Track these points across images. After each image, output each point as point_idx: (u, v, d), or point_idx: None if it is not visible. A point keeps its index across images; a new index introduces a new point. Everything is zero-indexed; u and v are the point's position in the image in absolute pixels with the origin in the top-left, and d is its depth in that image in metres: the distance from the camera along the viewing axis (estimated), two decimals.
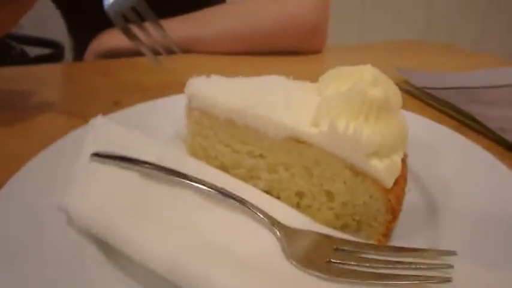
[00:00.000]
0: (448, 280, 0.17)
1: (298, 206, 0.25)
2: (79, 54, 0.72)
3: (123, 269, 0.20)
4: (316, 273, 0.19)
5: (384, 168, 0.21)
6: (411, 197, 0.25)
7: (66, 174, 0.25)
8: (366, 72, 0.24)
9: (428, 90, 0.46)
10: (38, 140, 0.30)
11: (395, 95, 0.24)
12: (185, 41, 0.57)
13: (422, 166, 0.28)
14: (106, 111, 0.32)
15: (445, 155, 0.29)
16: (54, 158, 0.27)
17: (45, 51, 1.08)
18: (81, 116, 0.36)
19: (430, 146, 0.30)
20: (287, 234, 0.21)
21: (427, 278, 0.18)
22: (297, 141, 0.23)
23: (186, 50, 0.57)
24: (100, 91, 0.46)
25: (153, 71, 0.51)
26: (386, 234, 0.23)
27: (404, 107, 0.26)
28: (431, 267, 0.19)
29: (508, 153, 0.35)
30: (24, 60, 1.01)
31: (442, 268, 0.19)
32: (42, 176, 0.25)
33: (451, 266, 0.18)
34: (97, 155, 0.27)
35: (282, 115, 0.24)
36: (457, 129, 0.34)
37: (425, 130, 0.32)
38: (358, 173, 0.22)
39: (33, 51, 1.09)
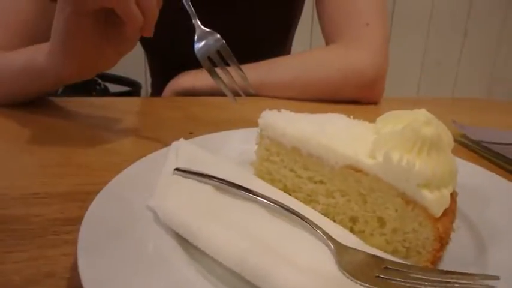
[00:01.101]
0: None
1: (351, 231, 0.27)
2: (157, 91, 0.81)
3: (198, 261, 0.24)
4: (366, 284, 0.22)
5: (433, 199, 0.24)
6: (460, 234, 0.27)
7: (154, 182, 0.30)
8: (421, 114, 0.27)
9: (484, 144, 0.47)
10: (123, 158, 0.36)
11: (446, 136, 0.27)
12: (255, 85, 0.63)
13: (472, 207, 0.30)
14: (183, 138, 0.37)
15: (495, 198, 0.31)
16: (144, 168, 0.32)
17: (124, 88, 1.21)
18: (160, 141, 0.42)
19: (480, 190, 0.32)
20: (340, 250, 0.24)
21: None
22: (355, 169, 0.27)
23: (256, 94, 0.62)
24: (176, 122, 0.52)
25: (223, 108, 0.58)
26: (434, 262, 0.25)
27: (459, 158, 0.28)
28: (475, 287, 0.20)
29: None
30: (107, 95, 1.14)
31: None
32: (134, 182, 0.30)
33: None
34: (178, 169, 0.31)
35: (342, 146, 0.27)
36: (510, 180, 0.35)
37: (476, 175, 0.34)
38: (409, 201, 0.25)
39: (114, 87, 1.22)
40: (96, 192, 0.27)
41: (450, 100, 0.74)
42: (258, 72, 0.63)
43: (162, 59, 0.79)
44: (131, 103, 0.64)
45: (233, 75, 0.46)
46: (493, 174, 0.35)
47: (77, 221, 0.25)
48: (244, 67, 0.63)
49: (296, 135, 0.29)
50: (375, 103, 0.63)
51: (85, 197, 0.29)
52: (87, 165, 0.38)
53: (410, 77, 1.69)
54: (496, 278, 0.20)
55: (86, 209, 0.25)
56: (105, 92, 1.17)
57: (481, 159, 0.45)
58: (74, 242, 0.23)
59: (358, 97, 0.62)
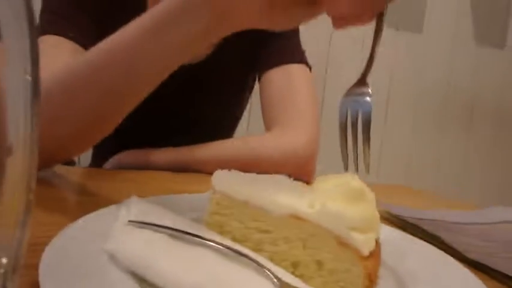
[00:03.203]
0: None
1: (293, 275, 0.30)
2: (96, 165, 0.82)
3: None
4: None
5: (362, 239, 0.28)
6: (384, 280, 0.31)
7: (106, 231, 0.31)
8: (350, 175, 0.32)
9: (405, 218, 0.54)
10: (68, 217, 0.36)
11: (370, 193, 0.33)
12: (196, 162, 0.67)
13: (394, 259, 0.34)
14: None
15: (413, 253, 0.36)
16: (96, 220, 0.33)
17: None
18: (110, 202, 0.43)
19: (400, 247, 0.37)
20: (284, 286, 0.27)
21: None
22: (297, 218, 0.31)
23: (196, 171, 0.66)
24: (123, 189, 0.53)
25: (173, 181, 0.60)
26: None
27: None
28: None
29: (469, 267, 0.41)
30: None
31: None
32: (87, 231, 0.31)
33: None
34: (132, 221, 0.33)
35: (286, 198, 0.32)
36: None
37: (395, 236, 0.39)
38: (342, 243, 0.29)
39: None
40: (46, 244, 0.28)
41: (378, 185, 0.83)
42: (202, 150, 0.68)
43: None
44: (74, 171, 0.64)
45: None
46: (407, 234, 0.40)
47: (33, 267, 0.25)
48: (188, 146, 0.68)
49: (245, 190, 0.33)
50: (308, 182, 0.70)
51: (39, 248, 0.29)
52: (36, 222, 0.38)
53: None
54: None
55: (36, 258, 0.26)
56: None
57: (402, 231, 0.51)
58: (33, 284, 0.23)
59: (294, 175, 0.68)
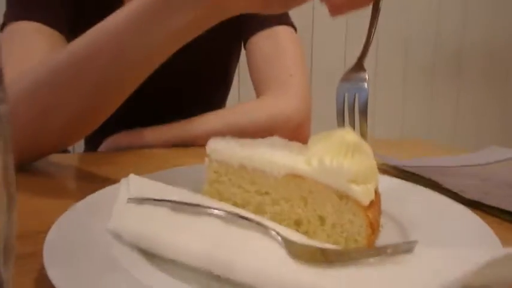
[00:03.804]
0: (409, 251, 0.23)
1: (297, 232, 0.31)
2: (89, 149, 0.81)
3: (164, 269, 0.25)
4: (315, 265, 0.25)
5: (361, 191, 0.28)
6: (386, 227, 0.32)
7: (108, 211, 0.31)
8: (345, 130, 0.32)
9: (401, 167, 0.54)
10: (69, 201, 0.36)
11: (366, 146, 0.33)
12: (192, 137, 0.67)
13: (394, 208, 0.35)
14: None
15: (411, 200, 0.37)
16: (97, 200, 0.33)
17: None
18: (107, 181, 0.43)
19: (399, 194, 0.37)
20: (289, 243, 0.27)
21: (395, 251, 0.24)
22: (295, 176, 0.31)
23: (194, 145, 0.66)
24: (117, 171, 0.53)
25: (164, 158, 0.60)
26: (369, 246, 0.29)
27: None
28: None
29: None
30: None
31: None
32: (89, 212, 0.31)
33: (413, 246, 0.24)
34: (132, 199, 0.33)
35: (282, 158, 0.32)
36: None
37: (394, 185, 0.40)
38: (342, 196, 0.29)
39: None
40: (47, 231, 0.28)
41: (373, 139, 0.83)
42: (193, 124, 0.68)
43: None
44: (69, 158, 0.64)
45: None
46: (406, 182, 0.41)
47: (38, 254, 0.25)
48: (179, 122, 0.68)
49: (241, 154, 0.33)
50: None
51: (41, 235, 0.29)
52: (36, 210, 0.38)
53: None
54: (415, 242, 0.25)
55: (40, 244, 0.26)
56: None
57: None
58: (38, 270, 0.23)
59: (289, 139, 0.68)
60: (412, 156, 0.66)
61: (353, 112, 0.38)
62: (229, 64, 0.87)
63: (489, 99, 2.17)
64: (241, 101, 1.43)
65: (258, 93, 0.75)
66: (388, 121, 1.95)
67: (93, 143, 0.81)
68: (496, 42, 2.13)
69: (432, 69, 2.05)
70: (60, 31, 0.57)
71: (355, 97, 0.38)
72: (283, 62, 0.71)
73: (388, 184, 0.40)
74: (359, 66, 0.38)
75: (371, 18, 0.38)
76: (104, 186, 0.37)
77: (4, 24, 0.56)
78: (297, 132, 0.69)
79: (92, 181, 0.48)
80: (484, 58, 2.12)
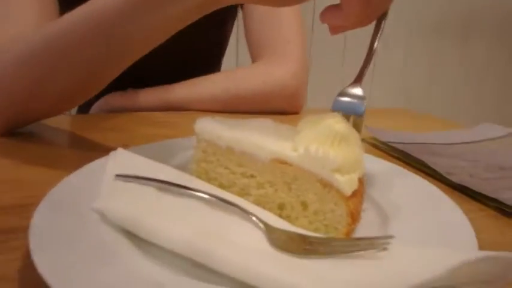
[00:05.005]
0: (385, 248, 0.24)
1: (280, 216, 0.32)
2: (82, 111, 0.80)
3: (147, 251, 0.26)
4: (295, 255, 0.26)
5: (344, 181, 0.29)
6: (368, 213, 0.33)
7: (95, 188, 0.31)
8: (334, 116, 0.32)
9: (391, 144, 0.54)
10: (61, 172, 0.36)
11: (354, 134, 0.32)
12: (184, 101, 0.66)
13: (378, 191, 0.36)
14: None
15: (396, 184, 0.37)
16: (84, 176, 0.34)
17: None
18: (96, 153, 0.43)
19: (385, 178, 0.38)
20: (271, 230, 0.28)
21: (370, 246, 0.25)
22: (281, 162, 0.31)
23: (187, 109, 0.65)
24: (109, 136, 0.53)
25: (158, 123, 0.60)
26: (348, 234, 0.29)
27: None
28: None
29: (452, 191, 0.43)
30: None
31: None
32: (76, 189, 0.32)
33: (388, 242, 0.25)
34: (119, 176, 0.33)
35: (270, 143, 0.32)
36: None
37: (380, 167, 0.40)
38: (325, 184, 0.30)
39: None
40: (37, 204, 0.28)
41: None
42: (187, 87, 0.67)
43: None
44: (62, 120, 0.64)
45: None
46: (394, 165, 0.41)
47: (21, 230, 0.26)
48: (175, 84, 0.67)
49: (230, 136, 0.33)
50: (297, 113, 0.70)
51: (27, 209, 0.29)
52: (25, 180, 0.38)
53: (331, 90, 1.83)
54: (391, 237, 0.26)
55: (29, 218, 0.26)
56: None
57: (387, 157, 0.52)
58: (20, 248, 0.24)
59: (283, 107, 0.68)
60: (411, 128, 0.67)
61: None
62: (226, 25, 0.84)
63: (493, 69, 2.14)
64: (238, 65, 1.41)
65: (254, 57, 0.73)
66: (389, 89, 1.93)
67: (86, 103, 0.80)
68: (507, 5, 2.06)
69: (438, 36, 1.99)
70: None
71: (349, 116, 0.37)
72: (281, 27, 0.69)
73: (376, 166, 0.40)
74: (358, 81, 0.37)
75: (373, 32, 0.36)
76: (94, 154, 0.37)
77: None
78: (292, 100, 0.68)
79: (83, 148, 0.48)
80: (491, 26, 2.06)
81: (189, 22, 0.39)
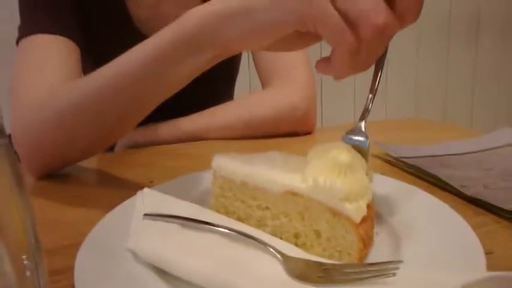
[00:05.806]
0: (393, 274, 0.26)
1: (295, 245, 0.34)
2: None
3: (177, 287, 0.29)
4: (311, 284, 0.28)
5: (353, 208, 0.31)
6: (381, 236, 0.35)
7: (127, 228, 0.35)
8: (339, 146, 0.34)
9: (403, 159, 0.56)
10: (95, 211, 0.39)
11: (359, 160, 0.34)
12: (203, 131, 0.69)
13: (390, 214, 0.37)
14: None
15: (408, 204, 0.39)
16: (117, 217, 0.37)
17: None
18: (127, 191, 0.46)
19: (397, 198, 0.40)
20: (287, 260, 0.30)
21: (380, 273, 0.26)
22: (292, 193, 0.33)
23: (206, 139, 0.69)
24: (136, 173, 0.56)
25: (178, 155, 0.63)
26: (361, 259, 0.31)
27: (384, 173, 0.35)
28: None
29: (467, 204, 0.43)
30: None
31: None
32: (111, 230, 0.35)
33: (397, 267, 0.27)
34: (147, 215, 0.36)
35: (281, 176, 0.34)
36: (426, 189, 0.42)
37: (392, 187, 0.42)
38: (335, 213, 0.32)
39: None
40: (77, 244, 0.32)
41: (378, 122, 0.84)
42: (204, 118, 0.70)
43: None
44: (92, 159, 0.68)
45: None
46: (404, 183, 0.43)
47: (67, 270, 0.29)
48: (191, 116, 0.70)
49: (243, 171, 0.36)
50: (309, 133, 0.72)
51: (69, 250, 0.32)
52: (63, 221, 0.42)
53: (345, 108, 1.84)
54: (400, 261, 0.27)
55: (72, 259, 0.30)
56: None
57: (402, 172, 0.53)
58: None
59: (295, 129, 0.70)
60: (424, 138, 0.67)
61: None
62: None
63: (506, 68, 2.10)
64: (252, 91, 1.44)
65: (264, 83, 0.76)
66: (400, 92, 1.92)
67: None
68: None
69: (447, 36, 1.98)
70: (74, 40, 0.60)
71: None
72: (288, 54, 0.72)
73: (387, 186, 0.42)
74: (361, 120, 0.38)
75: (373, 75, 0.37)
76: (124, 191, 0.41)
77: (19, 39, 0.59)
78: (303, 122, 0.71)
79: (113, 185, 0.52)
80: (501, 24, 2.04)
81: (198, 74, 0.43)
